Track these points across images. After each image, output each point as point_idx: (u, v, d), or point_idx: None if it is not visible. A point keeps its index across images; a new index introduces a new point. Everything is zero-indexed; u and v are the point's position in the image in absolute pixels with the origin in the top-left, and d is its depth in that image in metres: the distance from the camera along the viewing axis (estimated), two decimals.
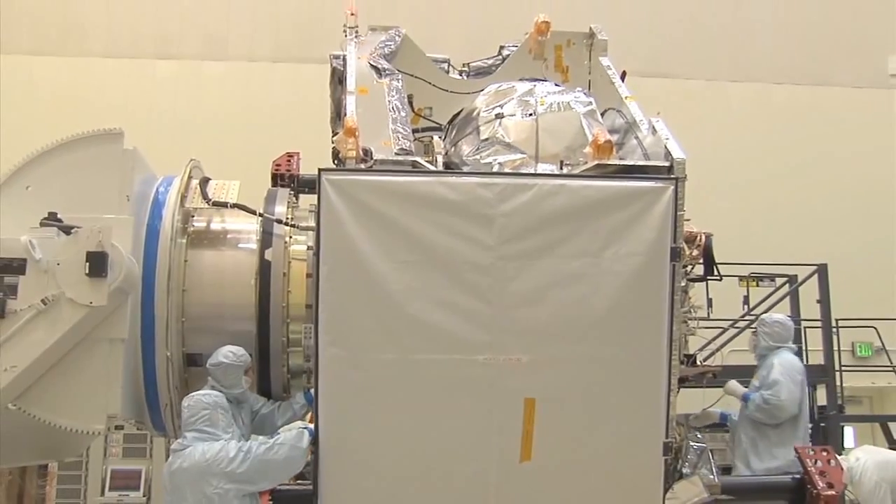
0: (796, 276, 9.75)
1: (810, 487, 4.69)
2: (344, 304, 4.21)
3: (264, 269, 4.90)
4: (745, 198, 12.64)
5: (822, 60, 13.62)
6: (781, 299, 9.62)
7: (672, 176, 4.32)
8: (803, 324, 9.64)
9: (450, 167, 4.90)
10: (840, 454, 5.81)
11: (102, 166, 4.68)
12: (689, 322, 4.85)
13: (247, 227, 5.08)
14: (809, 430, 5.91)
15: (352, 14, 5.50)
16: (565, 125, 4.76)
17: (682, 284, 4.52)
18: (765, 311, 9.34)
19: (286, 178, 5.42)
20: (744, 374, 6.66)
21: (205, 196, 5.12)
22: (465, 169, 4.74)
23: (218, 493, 4.18)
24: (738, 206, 12.32)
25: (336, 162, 4.67)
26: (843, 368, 9.68)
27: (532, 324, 4.25)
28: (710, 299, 6.67)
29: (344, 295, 4.21)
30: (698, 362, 5.50)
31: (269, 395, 5.00)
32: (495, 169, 4.64)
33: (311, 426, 4.33)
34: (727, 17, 13.60)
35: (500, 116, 4.79)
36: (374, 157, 4.36)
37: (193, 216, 5.09)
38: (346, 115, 4.57)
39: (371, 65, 5.13)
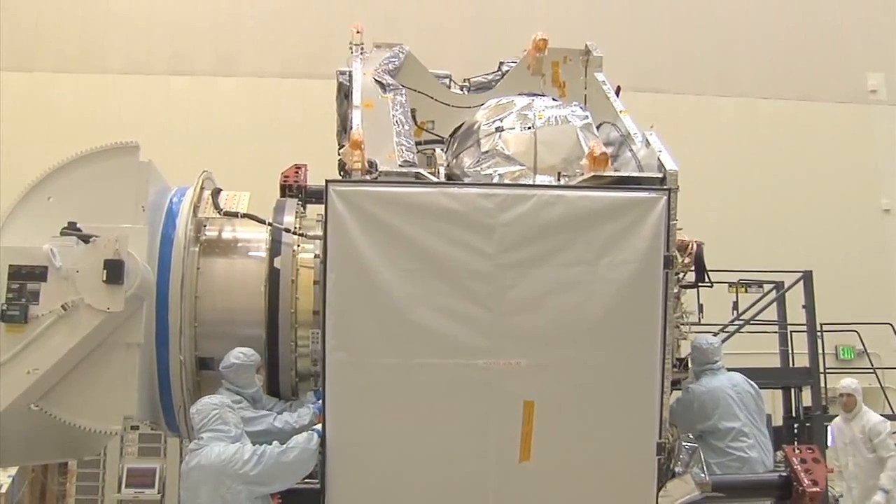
0: (783, 282, 9.94)
1: (796, 484, 4.77)
2: (349, 311, 4.27)
3: (273, 276, 5.01)
4: (733, 207, 12.88)
5: (804, 76, 13.91)
6: (768, 305, 9.84)
7: (665, 187, 4.40)
8: (789, 328, 9.87)
9: (451, 178, 5.00)
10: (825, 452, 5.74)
11: (119, 178, 4.80)
12: (682, 327, 4.97)
13: (257, 236, 5.18)
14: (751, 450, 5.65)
15: (357, 32, 5.59)
16: (562, 138, 4.85)
17: (675, 291, 4.58)
18: (753, 316, 9.58)
19: (294, 189, 5.56)
20: None
21: (216, 206, 5.24)
22: (467, 180, 4.83)
23: (231, 494, 4.25)
24: (727, 215, 12.54)
25: (342, 173, 4.77)
26: (826, 370, 9.89)
27: (530, 329, 4.31)
28: (701, 305, 6.74)
29: (350, 301, 4.27)
30: (690, 366, 5.63)
31: (279, 397, 5.10)
32: (495, 180, 4.72)
33: (320, 428, 4.39)
34: (715, 35, 13.86)
35: (499, 130, 4.89)
36: (379, 169, 4.42)
37: (206, 225, 5.20)
38: (352, 128, 4.65)
39: (376, 80, 5.21)
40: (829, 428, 8.61)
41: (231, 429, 4.46)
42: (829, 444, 8.64)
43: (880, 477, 7.71)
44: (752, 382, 5.92)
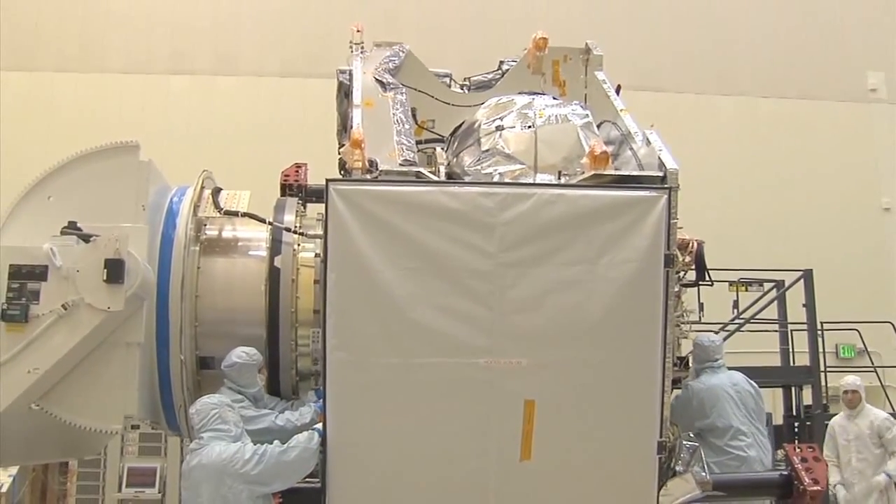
0: (783, 281, 9.96)
1: (797, 483, 4.77)
2: (350, 310, 4.26)
3: (274, 275, 5.00)
4: (734, 206, 12.88)
5: (804, 75, 13.91)
6: (769, 304, 9.85)
7: (665, 186, 4.39)
8: (790, 326, 9.88)
9: (452, 177, 4.98)
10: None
11: (119, 177, 4.80)
12: (682, 325, 4.95)
13: (257, 236, 5.19)
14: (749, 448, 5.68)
15: (357, 31, 5.58)
16: (563, 137, 4.84)
17: (675, 289, 4.56)
18: (753, 315, 9.58)
19: (294, 188, 5.56)
20: None
21: (217, 205, 5.24)
22: (467, 179, 4.82)
23: (232, 493, 4.25)
24: (728, 214, 12.54)
25: (343, 172, 4.77)
26: (827, 369, 9.90)
27: (531, 328, 4.30)
28: (702, 303, 6.76)
29: (350, 300, 4.26)
30: (690, 364, 5.63)
31: (280, 396, 5.10)
32: (496, 179, 4.71)
33: (321, 427, 4.37)
34: (715, 34, 13.85)
35: (500, 128, 4.87)
36: (380, 168, 4.41)
37: (206, 225, 5.20)
38: (352, 127, 4.64)
39: (376, 79, 5.21)
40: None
41: (231, 428, 4.46)
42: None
43: (888, 464, 7.84)
44: (752, 382, 5.92)
